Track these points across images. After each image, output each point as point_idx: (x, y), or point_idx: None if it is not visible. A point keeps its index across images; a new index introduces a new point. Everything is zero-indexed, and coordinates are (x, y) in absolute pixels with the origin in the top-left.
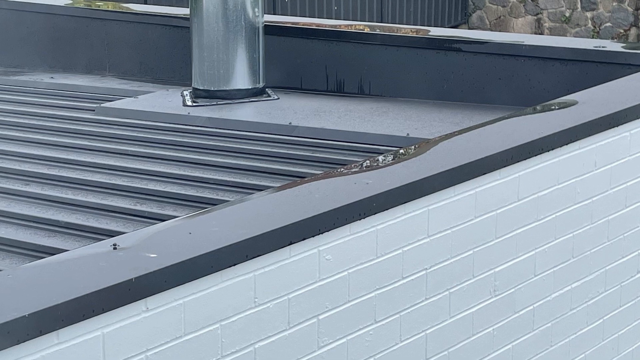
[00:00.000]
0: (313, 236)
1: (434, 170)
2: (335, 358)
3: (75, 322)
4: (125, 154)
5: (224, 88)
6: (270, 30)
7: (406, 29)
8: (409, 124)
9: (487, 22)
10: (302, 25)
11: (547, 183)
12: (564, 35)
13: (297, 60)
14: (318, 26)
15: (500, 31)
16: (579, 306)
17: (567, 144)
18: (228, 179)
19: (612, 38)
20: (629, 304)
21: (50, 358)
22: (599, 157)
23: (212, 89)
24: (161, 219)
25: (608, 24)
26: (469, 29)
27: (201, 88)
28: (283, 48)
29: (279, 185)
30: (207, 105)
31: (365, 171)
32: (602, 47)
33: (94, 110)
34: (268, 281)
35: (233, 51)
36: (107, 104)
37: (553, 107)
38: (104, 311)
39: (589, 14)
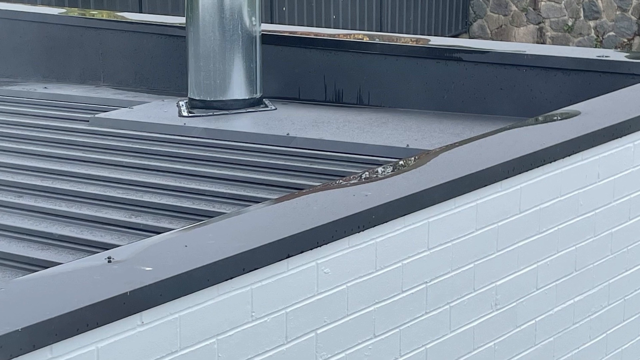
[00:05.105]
0: (311, 249)
1: (434, 182)
2: None
3: (69, 337)
4: (120, 166)
5: (221, 98)
6: (268, 39)
7: (406, 39)
8: (408, 134)
9: (488, 31)
10: (300, 34)
11: (549, 195)
12: (567, 44)
13: (295, 70)
14: (316, 35)
15: (501, 40)
16: (582, 320)
17: (569, 156)
18: (225, 190)
19: (616, 47)
20: (632, 318)
21: None
22: (602, 169)
23: (209, 99)
24: (156, 231)
25: (611, 33)
26: (470, 38)
27: (197, 98)
28: (281, 58)
29: (276, 197)
30: (203, 115)
31: (364, 183)
32: (606, 56)
33: (88, 121)
34: (265, 295)
35: (230, 61)
36: (102, 115)
37: (555, 118)
38: (98, 325)
39: (592, 23)
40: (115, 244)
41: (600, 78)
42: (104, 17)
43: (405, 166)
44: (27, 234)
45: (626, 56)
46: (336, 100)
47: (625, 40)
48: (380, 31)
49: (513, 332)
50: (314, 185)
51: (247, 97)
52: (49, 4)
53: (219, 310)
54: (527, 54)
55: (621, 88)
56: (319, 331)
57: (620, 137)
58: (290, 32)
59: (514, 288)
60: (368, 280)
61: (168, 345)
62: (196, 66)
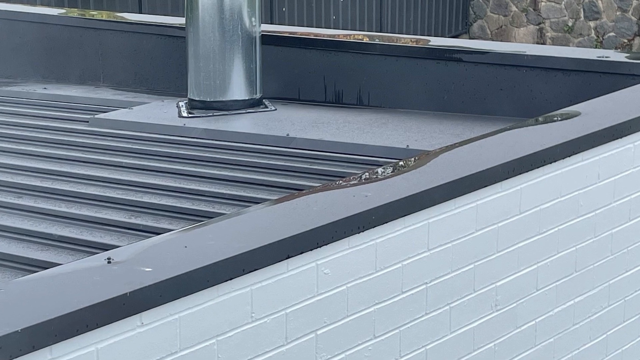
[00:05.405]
0: (311, 250)
1: (434, 182)
2: None
3: (69, 338)
4: (120, 166)
5: (221, 99)
6: (268, 40)
7: (406, 39)
8: (408, 135)
9: (489, 32)
10: (300, 35)
11: (549, 196)
12: (567, 45)
13: (294, 71)
14: (316, 36)
15: (501, 41)
16: (582, 321)
17: (569, 156)
18: (224, 191)
19: (616, 48)
20: (632, 319)
21: None
22: (602, 169)
23: (208, 99)
24: (156, 232)
25: (612, 34)
26: (470, 38)
27: (197, 99)
28: (280, 58)
29: (276, 197)
30: (203, 116)
31: (364, 183)
32: (606, 57)
33: (87, 122)
34: (265, 295)
35: (229, 61)
36: (101, 115)
37: (555, 119)
38: (98, 326)
39: (592, 24)
40: (115, 244)
41: (601, 79)
42: (104, 18)
43: (405, 167)
44: (26, 235)
45: (626, 57)
46: (336, 100)
47: (626, 40)
48: (380, 32)
49: (513, 332)
50: (313, 185)
51: (247, 98)
52: (49, 5)
53: (218, 311)
54: (527, 55)
55: (621, 89)
56: (319, 332)
57: (621, 137)
58: (290, 33)
59: (514, 289)
60: (368, 281)
61: (168, 346)
62: (196, 67)
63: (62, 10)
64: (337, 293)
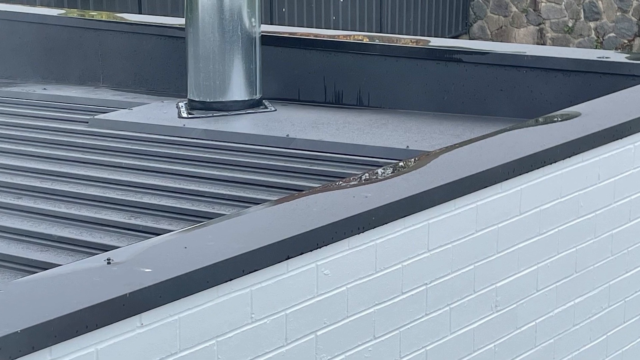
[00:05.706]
0: (311, 250)
1: (434, 183)
2: None
3: (69, 338)
4: (120, 167)
5: (220, 100)
6: (268, 40)
7: (406, 40)
8: (408, 136)
9: (489, 32)
10: (300, 35)
11: (549, 196)
12: (567, 45)
13: (294, 71)
14: (316, 36)
15: (501, 41)
16: (582, 322)
17: (570, 157)
18: (224, 192)
19: (616, 48)
20: (632, 320)
21: None
22: (603, 170)
23: (208, 100)
24: (156, 233)
25: (612, 34)
26: (470, 39)
27: (197, 99)
28: (280, 59)
29: (276, 198)
30: (203, 117)
31: (364, 184)
32: (606, 57)
33: (87, 122)
34: (265, 296)
35: (229, 62)
36: (101, 116)
37: (556, 119)
38: (97, 327)
39: (592, 24)
40: (115, 245)
41: (601, 79)
42: (103, 18)
43: (405, 167)
44: (26, 236)
45: (626, 57)
46: (336, 101)
47: (626, 41)
48: (380, 32)
49: (513, 333)
50: (313, 186)
51: (246, 99)
52: (48, 5)
53: (218, 312)
54: (527, 55)
55: (621, 89)
56: (318, 333)
57: (621, 138)
58: (290, 33)
59: (514, 289)
60: (368, 281)
61: (167, 347)
62: (196, 67)
63: (62, 11)
64: (337, 294)
